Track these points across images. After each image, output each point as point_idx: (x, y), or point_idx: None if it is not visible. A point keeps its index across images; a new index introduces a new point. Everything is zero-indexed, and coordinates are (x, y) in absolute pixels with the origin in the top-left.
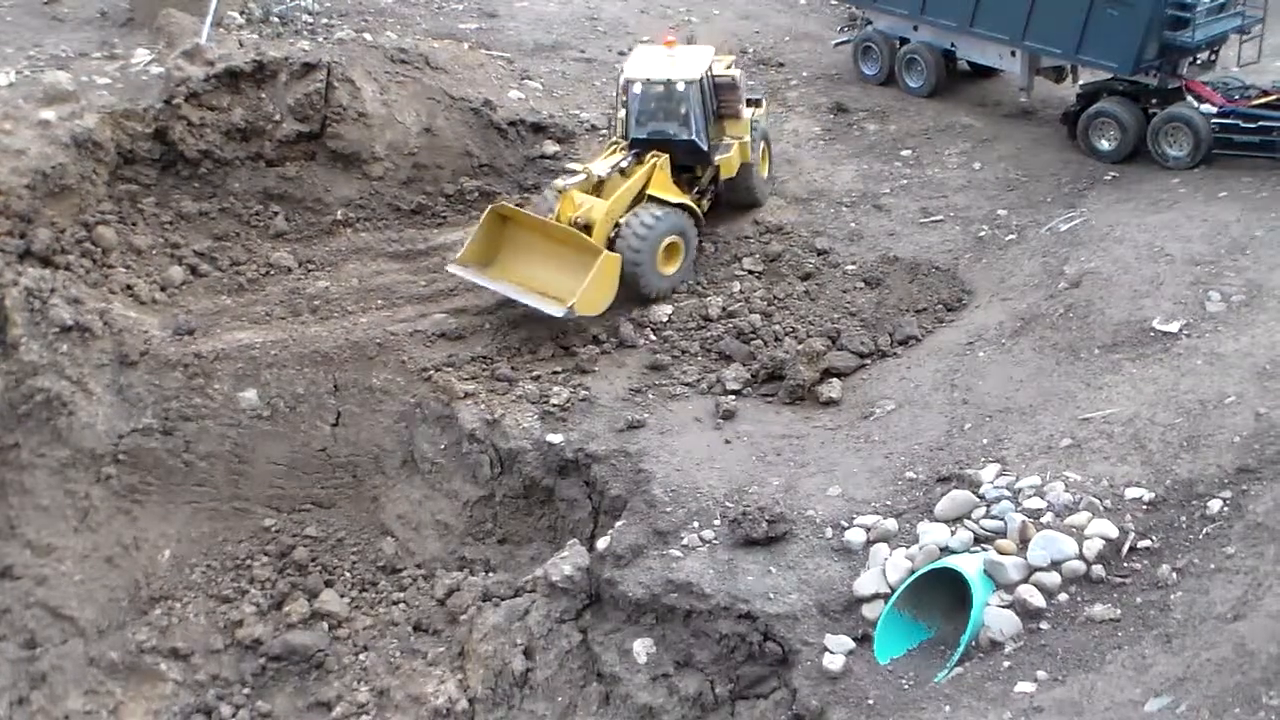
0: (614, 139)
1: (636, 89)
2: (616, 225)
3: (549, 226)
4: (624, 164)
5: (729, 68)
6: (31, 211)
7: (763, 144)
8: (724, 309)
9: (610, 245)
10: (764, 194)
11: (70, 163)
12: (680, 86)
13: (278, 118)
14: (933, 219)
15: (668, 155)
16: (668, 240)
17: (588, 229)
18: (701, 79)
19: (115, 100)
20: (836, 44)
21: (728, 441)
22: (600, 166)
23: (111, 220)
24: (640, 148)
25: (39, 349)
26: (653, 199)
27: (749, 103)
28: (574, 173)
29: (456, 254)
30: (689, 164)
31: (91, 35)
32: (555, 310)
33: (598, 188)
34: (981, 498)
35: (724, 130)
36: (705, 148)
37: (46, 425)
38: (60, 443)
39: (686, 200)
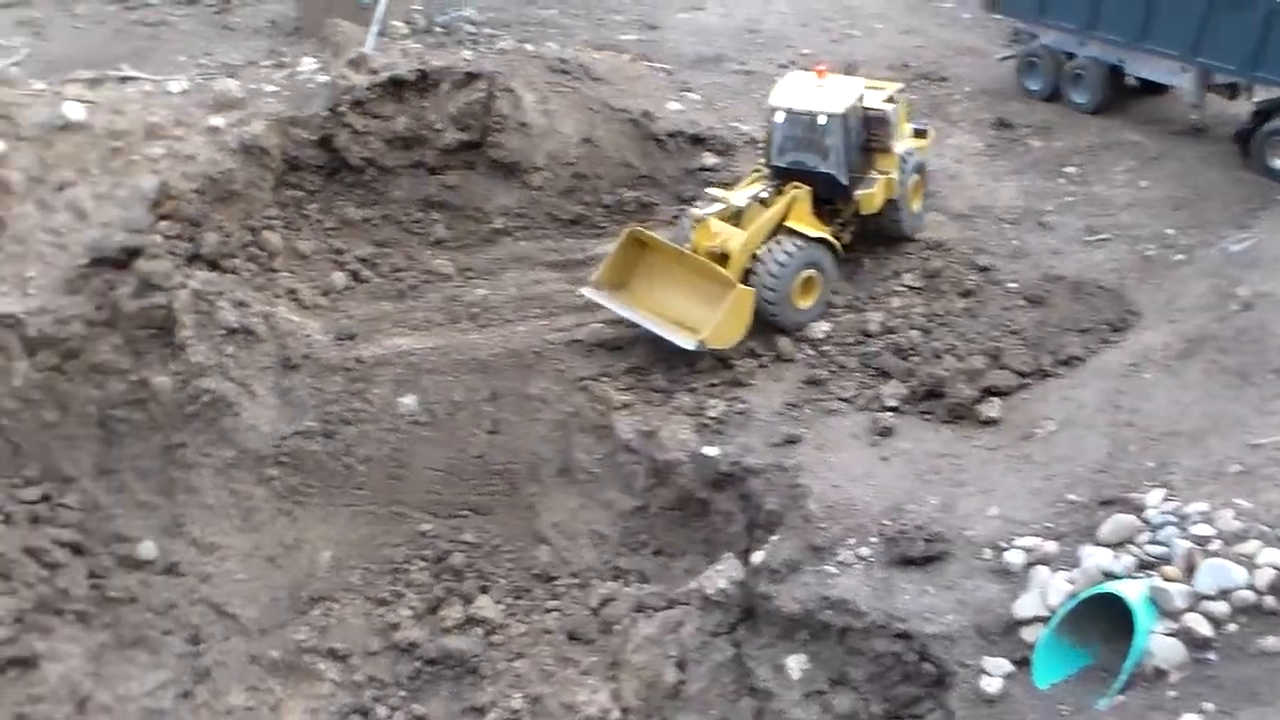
0: (756, 165)
1: (779, 117)
2: (753, 256)
3: (684, 256)
4: (764, 194)
5: (891, 98)
6: (201, 216)
7: (916, 177)
8: (883, 325)
9: (747, 277)
10: (913, 228)
11: (238, 168)
12: (822, 120)
13: (440, 126)
14: (1098, 237)
15: (809, 187)
16: (804, 274)
17: (724, 259)
18: (846, 113)
19: (282, 108)
20: (1001, 59)
21: (885, 458)
22: (739, 196)
23: (277, 225)
24: (780, 177)
25: (206, 350)
26: (791, 231)
27: (916, 133)
28: (713, 201)
29: (591, 276)
30: (828, 197)
31: (260, 44)
32: (686, 342)
33: (736, 217)
34: (1146, 522)
35: (872, 164)
36: (845, 182)
37: (212, 425)
38: (225, 443)
39: (825, 233)
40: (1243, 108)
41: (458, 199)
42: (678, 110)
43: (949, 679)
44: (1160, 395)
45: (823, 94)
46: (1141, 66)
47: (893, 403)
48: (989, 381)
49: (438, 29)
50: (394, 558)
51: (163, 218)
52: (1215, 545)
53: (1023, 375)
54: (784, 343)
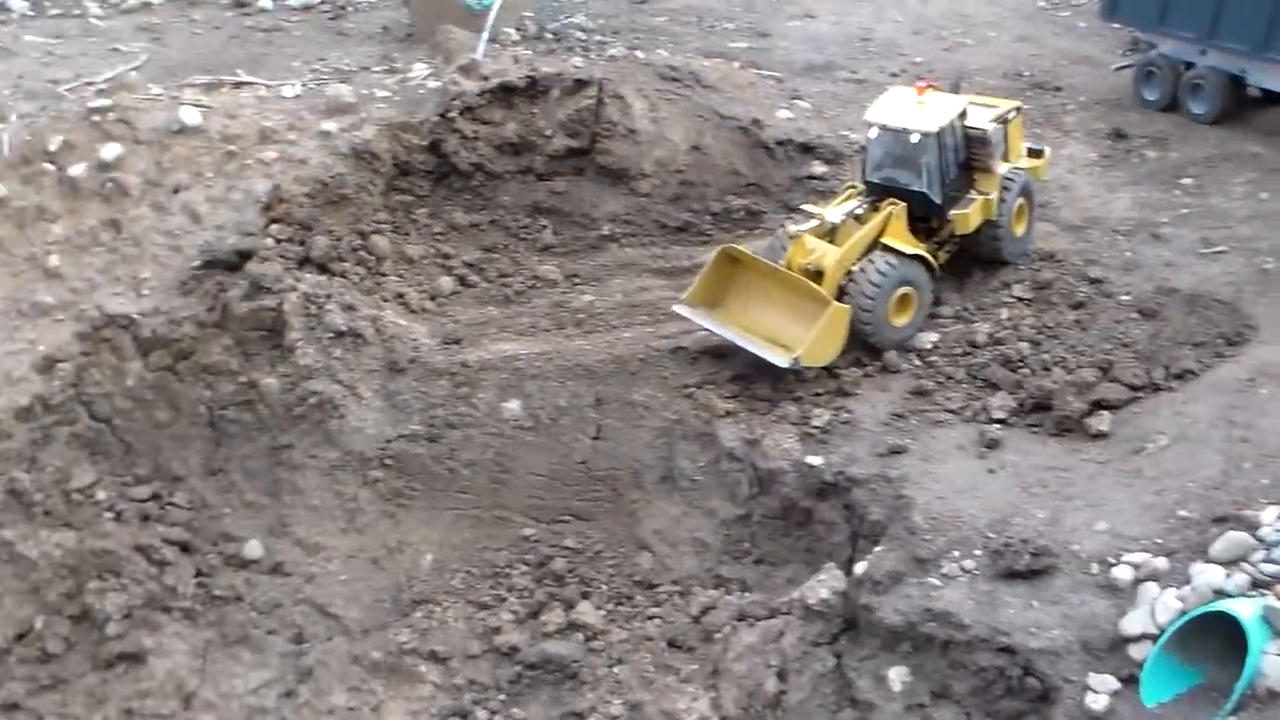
0: (851, 183)
1: (873, 133)
2: (848, 273)
3: (778, 273)
4: (859, 210)
5: (1003, 118)
6: (311, 219)
7: (1021, 200)
8: (991, 336)
9: (841, 294)
10: (1013, 253)
11: (349, 173)
12: (915, 138)
13: (549, 133)
14: (1214, 250)
15: (905, 204)
16: (900, 291)
17: (819, 276)
18: (942, 131)
19: (393, 113)
20: (1117, 68)
21: (991, 471)
22: (834, 213)
23: (386, 230)
24: (876, 193)
25: (314, 353)
26: (887, 248)
27: (1031, 153)
28: (808, 217)
29: (685, 293)
30: (923, 215)
31: (373, 50)
32: (781, 360)
33: (831, 233)
34: (1260, 540)
35: (972, 184)
36: (938, 201)
37: (319, 428)
38: (331, 445)
39: (921, 251)
40: None
41: (565, 205)
42: (787, 118)
43: (1053, 695)
44: (1277, 411)
45: (921, 111)
46: (1264, 76)
47: (1000, 415)
48: (1099, 395)
49: (548, 36)
50: (496, 561)
51: (274, 221)
52: None
53: (1134, 389)
54: (890, 353)
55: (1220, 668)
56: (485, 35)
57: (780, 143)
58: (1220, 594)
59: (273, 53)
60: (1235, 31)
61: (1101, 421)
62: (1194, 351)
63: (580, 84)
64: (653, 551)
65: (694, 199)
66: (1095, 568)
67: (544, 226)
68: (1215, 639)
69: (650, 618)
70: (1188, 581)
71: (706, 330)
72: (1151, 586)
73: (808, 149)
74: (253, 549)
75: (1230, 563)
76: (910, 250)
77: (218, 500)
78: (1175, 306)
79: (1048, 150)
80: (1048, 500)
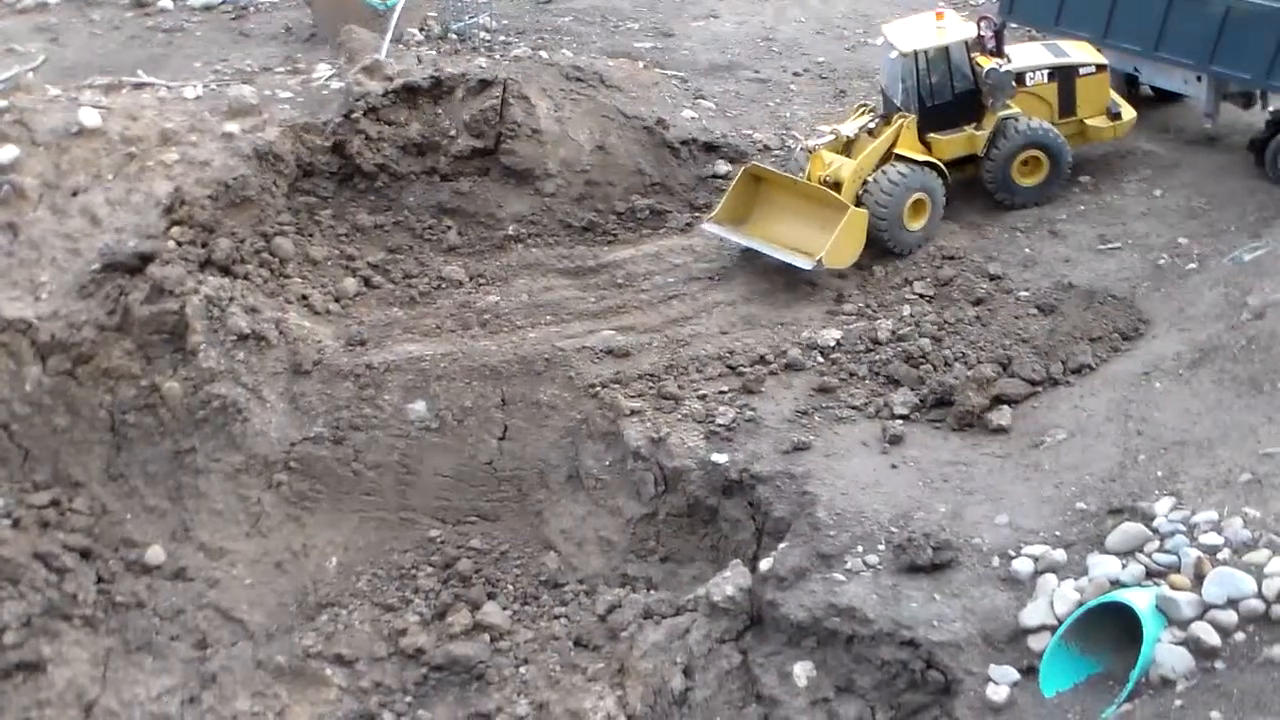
0: (861, 102)
1: (885, 49)
2: (864, 183)
3: (799, 184)
4: (871, 125)
5: (1064, 69)
6: (213, 221)
7: (1033, 151)
8: (893, 332)
9: (858, 202)
10: (1010, 199)
11: (252, 175)
12: (893, 54)
13: (453, 133)
14: (1110, 246)
15: (914, 116)
16: (914, 197)
17: (836, 187)
18: (922, 54)
19: (296, 114)
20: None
21: (894, 466)
22: (849, 127)
23: (289, 231)
24: (891, 107)
25: (217, 356)
26: (900, 157)
27: (1110, 115)
28: (823, 133)
29: (711, 212)
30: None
31: (276, 50)
32: (804, 263)
33: (847, 148)
34: (1155, 531)
35: (978, 117)
36: (917, 120)
37: (222, 431)
38: (234, 448)
39: (932, 159)
40: (1257, 117)
41: (470, 205)
42: (691, 118)
43: (955, 687)
44: (1170, 404)
45: (922, 32)
46: (1156, 75)
47: (903, 410)
48: (999, 390)
49: (452, 36)
50: (401, 563)
51: (176, 223)
52: (1224, 554)
53: (1033, 384)
54: (794, 351)
55: (1117, 657)
56: (389, 35)
57: (684, 142)
58: (1116, 584)
59: (174, 53)
60: (1128, 31)
61: (1002, 416)
62: (1091, 346)
63: (485, 84)
64: (559, 551)
65: (599, 199)
66: (996, 561)
67: (449, 227)
68: (1112, 629)
69: (556, 617)
70: (1085, 573)
71: (735, 243)
72: (1050, 578)
73: (712, 148)
74: (155, 554)
75: (1126, 553)
76: (922, 158)
77: (119, 506)
78: (1073, 302)
79: (1126, 115)
80: (949, 495)
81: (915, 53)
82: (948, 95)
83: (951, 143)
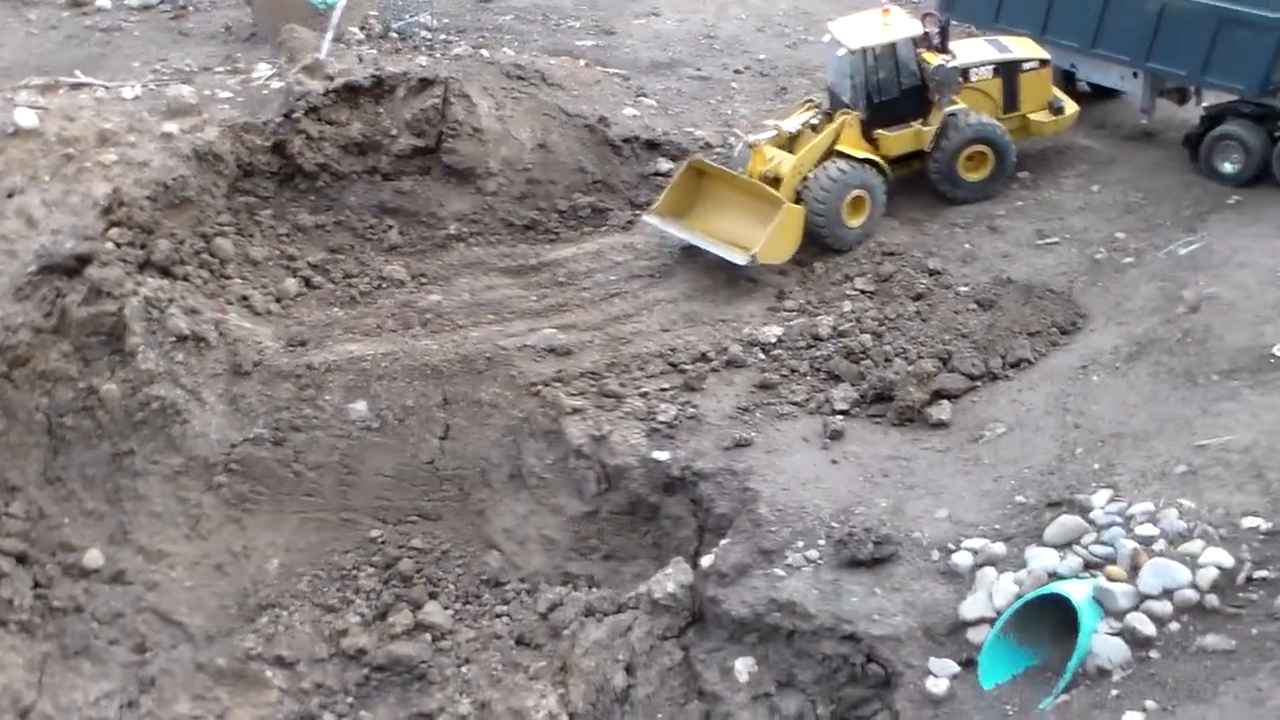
0: (808, 97)
1: (831, 45)
2: (804, 179)
3: (736, 180)
4: (814, 121)
5: (1006, 64)
6: (152, 222)
7: (979, 147)
8: (834, 329)
9: (797, 198)
10: (955, 194)
11: (191, 175)
12: (841, 52)
13: (394, 132)
14: (1048, 241)
15: (856, 113)
16: (853, 193)
17: (776, 182)
18: (869, 51)
19: (236, 114)
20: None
21: (835, 462)
22: (791, 123)
23: (229, 232)
24: (836, 104)
25: (156, 357)
26: (840, 154)
27: (1052, 109)
28: (766, 128)
29: (654, 204)
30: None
31: (215, 50)
32: (739, 258)
33: (790, 143)
34: (1092, 523)
35: (926, 112)
36: (863, 116)
37: (161, 433)
38: (174, 450)
39: (874, 156)
40: (1192, 113)
41: (411, 205)
42: (633, 116)
43: (895, 680)
44: (1108, 397)
45: (868, 29)
46: (1093, 72)
47: (843, 406)
48: (939, 385)
49: (393, 35)
50: (343, 564)
51: (114, 225)
52: (1159, 545)
53: (972, 378)
54: (735, 348)
55: (1055, 648)
56: (329, 34)
57: (626, 140)
58: (1054, 576)
59: (111, 53)
60: (1065, 28)
61: (941, 411)
62: (1029, 341)
63: (426, 83)
64: (501, 550)
65: (540, 197)
66: (936, 554)
67: (390, 227)
68: (1050, 620)
69: (498, 616)
70: (1024, 565)
71: (674, 237)
72: (989, 571)
73: (653, 146)
74: (93, 558)
75: (1064, 546)
76: (862, 155)
77: (56, 509)
78: (1011, 297)
79: (1069, 110)
80: (890, 489)
81: (863, 49)
82: (895, 92)
83: (899, 139)
